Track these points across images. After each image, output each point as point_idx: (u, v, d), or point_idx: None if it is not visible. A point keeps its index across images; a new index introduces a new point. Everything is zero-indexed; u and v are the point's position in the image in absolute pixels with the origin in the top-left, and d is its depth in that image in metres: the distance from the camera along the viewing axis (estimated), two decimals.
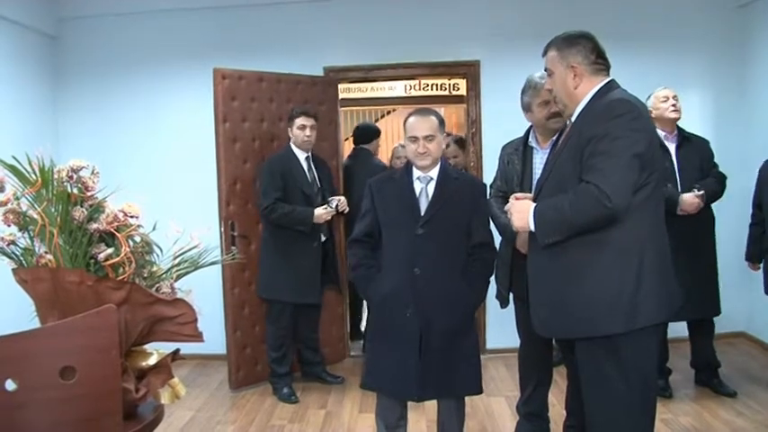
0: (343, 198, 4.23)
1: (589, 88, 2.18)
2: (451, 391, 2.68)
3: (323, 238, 4.21)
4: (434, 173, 2.68)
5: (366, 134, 5.37)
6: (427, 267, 2.58)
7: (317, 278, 4.14)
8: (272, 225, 4.08)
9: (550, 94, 2.79)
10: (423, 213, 2.62)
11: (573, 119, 2.24)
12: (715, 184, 3.71)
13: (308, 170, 4.19)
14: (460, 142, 5.12)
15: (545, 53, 2.30)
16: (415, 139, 2.63)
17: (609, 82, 2.20)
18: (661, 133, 3.55)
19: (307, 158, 4.20)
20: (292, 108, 4.25)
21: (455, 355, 2.61)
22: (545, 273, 2.21)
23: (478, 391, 2.70)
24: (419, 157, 2.64)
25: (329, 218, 4.11)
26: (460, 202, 2.66)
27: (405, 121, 2.72)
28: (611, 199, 1.96)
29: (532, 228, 2.15)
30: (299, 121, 4.11)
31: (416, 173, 2.69)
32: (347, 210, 4.24)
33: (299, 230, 4.03)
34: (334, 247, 4.38)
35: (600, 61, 2.21)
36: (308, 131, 4.11)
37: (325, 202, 4.12)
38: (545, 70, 2.32)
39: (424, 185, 2.67)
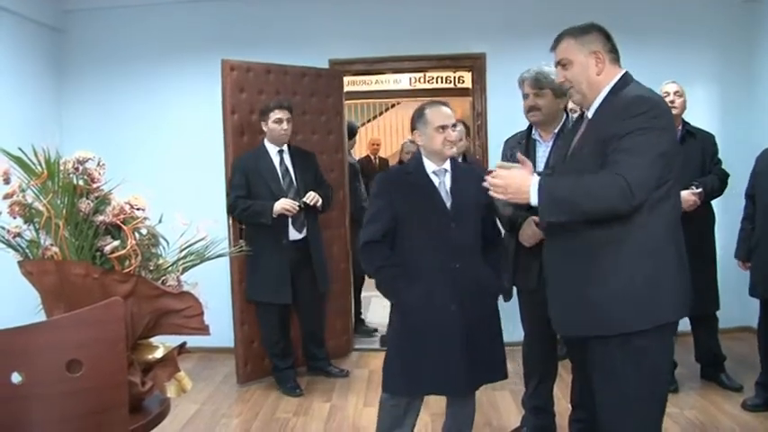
0: (312, 194, 3.99)
1: (609, 78, 2.13)
2: (488, 378, 2.67)
3: (298, 236, 4.05)
4: (447, 165, 2.66)
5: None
6: (463, 260, 2.56)
7: (285, 277, 3.97)
8: (241, 223, 4.06)
9: (555, 89, 2.81)
10: (449, 207, 2.60)
11: (590, 114, 2.17)
12: (715, 182, 3.69)
13: (280, 164, 4.07)
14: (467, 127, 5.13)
15: (555, 45, 2.20)
16: (444, 128, 2.59)
17: (624, 75, 2.15)
18: None
19: (280, 152, 4.09)
20: (265, 103, 4.13)
21: (489, 342, 2.60)
22: (564, 273, 2.16)
23: (505, 375, 2.70)
24: (450, 145, 2.61)
25: (294, 211, 3.91)
26: (474, 192, 2.61)
27: (420, 115, 2.65)
28: (635, 195, 1.93)
29: (534, 202, 2.02)
30: (275, 114, 3.99)
31: (431, 166, 2.65)
32: (319, 201, 4.00)
33: (263, 224, 3.89)
34: (318, 247, 4.16)
35: (614, 50, 2.17)
36: (284, 125, 4.01)
37: (299, 196, 3.98)
38: (557, 63, 2.21)
39: (442, 179, 2.65)
